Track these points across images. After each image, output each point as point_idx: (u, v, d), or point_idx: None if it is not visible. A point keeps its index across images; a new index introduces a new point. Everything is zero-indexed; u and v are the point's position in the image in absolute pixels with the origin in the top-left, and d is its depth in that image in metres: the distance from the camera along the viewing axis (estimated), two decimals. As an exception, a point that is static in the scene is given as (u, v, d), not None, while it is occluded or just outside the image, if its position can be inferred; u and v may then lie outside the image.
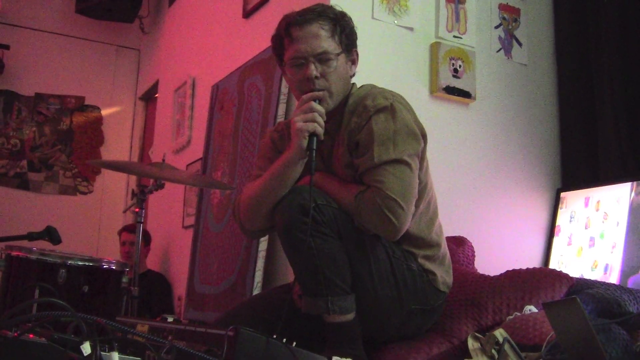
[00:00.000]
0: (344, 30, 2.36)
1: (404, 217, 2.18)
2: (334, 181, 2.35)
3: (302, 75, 2.34)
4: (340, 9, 2.42)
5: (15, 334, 1.39)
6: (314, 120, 2.26)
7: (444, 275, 2.48)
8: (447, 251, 2.57)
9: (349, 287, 2.26)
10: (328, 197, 2.28)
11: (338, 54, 2.34)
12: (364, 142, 2.27)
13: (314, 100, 2.29)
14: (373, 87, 2.45)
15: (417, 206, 2.35)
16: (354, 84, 2.48)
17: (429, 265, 2.42)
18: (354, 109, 2.36)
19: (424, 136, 2.37)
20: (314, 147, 2.24)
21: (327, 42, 2.33)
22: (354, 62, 2.43)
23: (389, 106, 2.27)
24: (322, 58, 2.32)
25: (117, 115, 7.09)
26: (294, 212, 2.20)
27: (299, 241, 2.20)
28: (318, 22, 2.33)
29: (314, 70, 2.32)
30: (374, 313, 2.36)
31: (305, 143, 2.25)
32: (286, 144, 2.44)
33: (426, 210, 2.44)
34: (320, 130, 2.26)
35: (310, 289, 2.26)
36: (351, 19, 2.42)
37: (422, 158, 2.39)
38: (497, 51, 4.02)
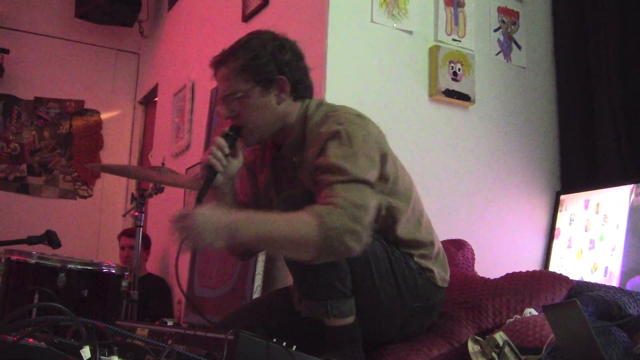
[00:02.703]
0: (256, 64, 2.35)
1: (362, 234, 2.11)
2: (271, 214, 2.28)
3: None
4: (261, 39, 2.42)
5: (15, 338, 1.39)
6: (210, 153, 2.35)
7: (440, 272, 2.49)
8: (440, 245, 2.57)
9: (348, 290, 2.26)
10: None
11: (249, 90, 2.35)
12: (321, 167, 2.24)
13: (223, 136, 2.38)
14: (330, 108, 2.41)
15: (403, 213, 2.37)
16: (308, 104, 2.45)
17: (425, 263, 2.43)
18: (312, 135, 2.36)
19: (383, 155, 2.32)
20: (210, 178, 2.34)
21: (234, 82, 2.36)
22: (281, 90, 2.38)
23: (341, 131, 2.24)
24: (231, 98, 2.37)
25: (116, 119, 7.08)
26: None
27: None
28: (227, 64, 2.39)
29: (226, 111, 2.40)
30: (376, 313, 2.37)
31: (204, 174, 2.36)
32: (258, 164, 2.58)
33: (412, 213, 2.43)
34: (213, 161, 2.34)
35: (309, 293, 2.27)
36: (275, 47, 2.40)
37: (386, 173, 2.35)
38: (496, 54, 4.02)
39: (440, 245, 2.57)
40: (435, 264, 2.47)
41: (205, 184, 2.35)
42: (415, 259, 2.40)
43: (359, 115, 2.35)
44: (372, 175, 2.21)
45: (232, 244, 2.12)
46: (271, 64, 2.36)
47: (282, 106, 2.39)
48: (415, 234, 2.42)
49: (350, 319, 2.27)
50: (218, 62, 2.41)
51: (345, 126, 2.25)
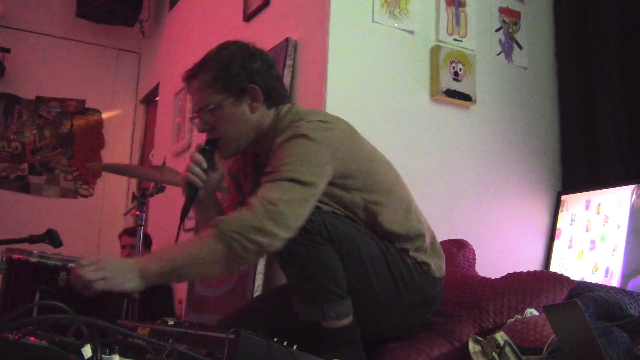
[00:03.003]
0: (227, 75, 2.36)
1: (274, 228, 2.09)
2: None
3: None
4: (231, 50, 2.43)
5: (16, 337, 1.40)
6: (188, 170, 2.38)
7: (437, 262, 2.48)
8: (433, 233, 2.55)
9: (344, 292, 2.26)
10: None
11: (221, 101, 2.36)
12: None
13: (200, 151, 2.41)
14: (295, 116, 2.40)
15: (385, 205, 2.36)
16: (279, 111, 2.44)
17: (421, 256, 2.42)
18: (275, 143, 2.35)
19: (344, 155, 2.28)
20: (191, 195, 2.36)
21: (206, 95, 2.37)
22: (254, 99, 2.38)
23: (293, 139, 2.24)
24: (205, 111, 2.38)
25: (117, 119, 7.09)
26: None
27: (289, 252, 2.21)
28: (198, 76, 2.40)
29: (200, 124, 2.41)
30: (375, 311, 2.37)
31: (185, 192, 2.39)
32: (242, 173, 2.60)
33: (398, 205, 2.40)
34: (193, 178, 2.37)
35: (305, 297, 2.27)
36: (245, 57, 2.40)
37: (351, 170, 2.32)
38: (498, 54, 4.02)
39: (433, 233, 2.56)
40: (432, 256, 2.46)
41: (187, 201, 2.38)
42: (411, 253, 2.39)
43: (323, 121, 2.32)
44: (312, 176, 2.17)
45: (146, 281, 2.09)
46: (242, 73, 2.37)
47: (256, 115, 2.40)
48: (405, 225, 2.40)
49: (347, 320, 2.27)
50: (189, 76, 2.42)
51: (301, 133, 2.24)
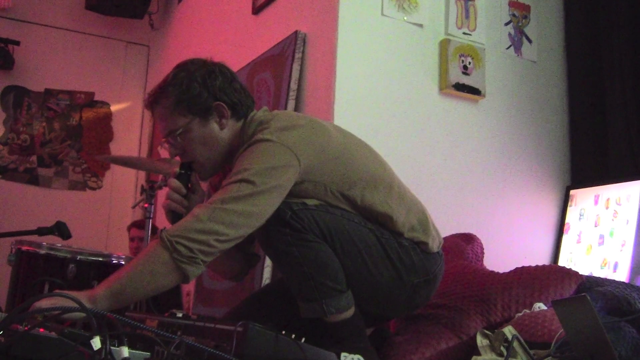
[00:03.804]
0: (189, 97, 2.30)
1: (218, 227, 2.08)
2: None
3: None
4: (188, 70, 2.35)
5: (26, 328, 1.40)
6: (168, 198, 2.34)
7: (434, 236, 2.45)
8: (424, 209, 2.49)
9: (342, 286, 2.25)
10: (300, 199, 2.25)
11: (188, 124, 2.31)
12: None
13: (177, 177, 2.37)
14: (258, 125, 2.34)
15: (360, 189, 2.32)
16: (244, 121, 2.39)
17: (417, 236, 2.38)
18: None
19: (310, 154, 2.23)
20: (174, 222, 2.24)
21: (171, 120, 2.32)
22: (221, 115, 2.33)
23: (253, 147, 2.22)
24: (173, 136, 2.33)
25: (126, 111, 7.09)
26: (271, 224, 2.19)
27: (282, 254, 2.22)
28: (160, 102, 2.34)
29: (170, 150, 2.37)
30: (379, 298, 2.36)
31: (169, 219, 2.34)
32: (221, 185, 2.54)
33: (378, 185, 2.35)
34: (174, 205, 2.34)
35: (304, 295, 2.27)
36: (205, 75, 2.34)
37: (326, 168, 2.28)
38: (507, 48, 4.01)
39: (424, 209, 2.49)
40: (427, 233, 2.41)
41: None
42: (406, 235, 2.36)
43: (284, 128, 2.26)
44: (264, 176, 2.13)
45: (95, 305, 1.99)
46: (204, 92, 2.30)
47: (226, 131, 2.35)
48: (401, 211, 2.36)
49: (349, 312, 2.27)
50: (151, 103, 2.36)
51: (259, 139, 2.22)
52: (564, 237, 3.87)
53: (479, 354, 2.29)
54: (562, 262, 3.78)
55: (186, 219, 2.13)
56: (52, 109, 6.72)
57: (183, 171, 2.37)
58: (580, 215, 3.81)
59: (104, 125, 6.95)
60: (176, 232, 2.07)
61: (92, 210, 6.65)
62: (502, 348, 2.26)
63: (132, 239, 5.40)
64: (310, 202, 2.25)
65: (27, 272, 3.27)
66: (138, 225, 5.30)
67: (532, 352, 2.15)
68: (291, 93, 3.74)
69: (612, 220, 3.56)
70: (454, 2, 3.83)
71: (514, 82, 4.01)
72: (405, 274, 2.35)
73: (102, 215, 6.73)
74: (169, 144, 2.36)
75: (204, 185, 2.51)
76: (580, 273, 2.75)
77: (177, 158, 2.42)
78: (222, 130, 2.34)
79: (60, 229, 3.44)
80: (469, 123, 3.82)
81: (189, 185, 2.37)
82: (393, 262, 2.32)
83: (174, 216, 2.33)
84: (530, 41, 4.08)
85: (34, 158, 6.59)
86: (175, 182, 2.35)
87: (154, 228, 3.90)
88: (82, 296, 1.97)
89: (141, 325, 1.57)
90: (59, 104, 6.76)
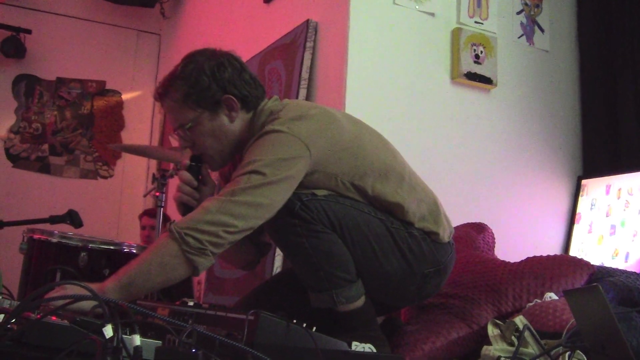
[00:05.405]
0: (198, 90, 2.28)
1: (228, 219, 2.08)
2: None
3: None
4: (197, 63, 2.31)
5: (38, 317, 1.41)
6: (179, 190, 2.34)
7: (445, 226, 2.44)
8: (436, 198, 2.48)
9: (352, 276, 2.25)
10: (309, 190, 2.24)
11: (197, 117, 2.29)
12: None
13: (187, 169, 2.36)
14: (268, 117, 2.33)
15: (372, 179, 2.31)
16: (255, 112, 2.37)
17: (428, 226, 2.38)
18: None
19: (322, 144, 2.23)
20: (186, 215, 2.23)
21: (181, 113, 2.30)
22: (231, 108, 2.31)
23: (261, 134, 2.22)
24: (182, 130, 2.32)
25: (137, 100, 7.10)
26: (280, 216, 2.18)
27: (292, 245, 2.22)
28: (169, 95, 2.32)
29: (180, 142, 2.36)
30: (390, 289, 2.37)
31: (180, 212, 2.33)
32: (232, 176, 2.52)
33: (389, 175, 2.35)
34: (185, 198, 2.33)
35: (314, 286, 2.27)
36: (214, 67, 2.31)
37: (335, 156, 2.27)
38: (519, 37, 4.00)
39: (436, 198, 2.48)
40: (437, 222, 2.41)
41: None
42: (417, 225, 2.36)
43: (294, 118, 2.24)
44: (274, 167, 2.13)
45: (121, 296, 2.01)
46: (213, 85, 2.28)
47: (236, 123, 2.33)
48: (412, 200, 2.35)
49: (360, 302, 2.27)
50: (160, 95, 2.35)
51: (270, 130, 2.21)
52: (575, 227, 3.86)
53: (489, 343, 2.29)
54: (573, 252, 3.77)
55: (196, 211, 2.13)
56: (64, 98, 6.73)
57: (193, 163, 2.36)
58: (592, 205, 3.80)
59: (115, 114, 6.96)
60: (185, 224, 2.08)
61: (103, 199, 6.67)
62: (513, 338, 2.26)
63: (143, 228, 5.41)
64: (320, 192, 2.25)
65: (38, 261, 3.28)
66: (149, 213, 5.31)
67: (543, 341, 2.15)
68: (302, 82, 3.74)
69: (624, 210, 3.55)
70: (466, -9, 3.82)
71: (525, 72, 3.99)
72: (416, 264, 2.34)
73: (113, 204, 6.75)
74: (178, 136, 2.35)
75: (214, 176, 2.50)
76: (591, 263, 2.75)
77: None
78: (231, 122, 2.33)
79: (72, 218, 3.46)
80: (481, 112, 3.81)
81: (200, 177, 2.37)
82: (403, 252, 2.32)
83: (185, 208, 2.32)
84: (542, 30, 4.06)
85: (45, 146, 6.61)
86: (185, 175, 2.34)
87: (165, 217, 3.91)
88: (92, 288, 1.98)
89: (153, 314, 1.58)
90: (71, 92, 6.77)
